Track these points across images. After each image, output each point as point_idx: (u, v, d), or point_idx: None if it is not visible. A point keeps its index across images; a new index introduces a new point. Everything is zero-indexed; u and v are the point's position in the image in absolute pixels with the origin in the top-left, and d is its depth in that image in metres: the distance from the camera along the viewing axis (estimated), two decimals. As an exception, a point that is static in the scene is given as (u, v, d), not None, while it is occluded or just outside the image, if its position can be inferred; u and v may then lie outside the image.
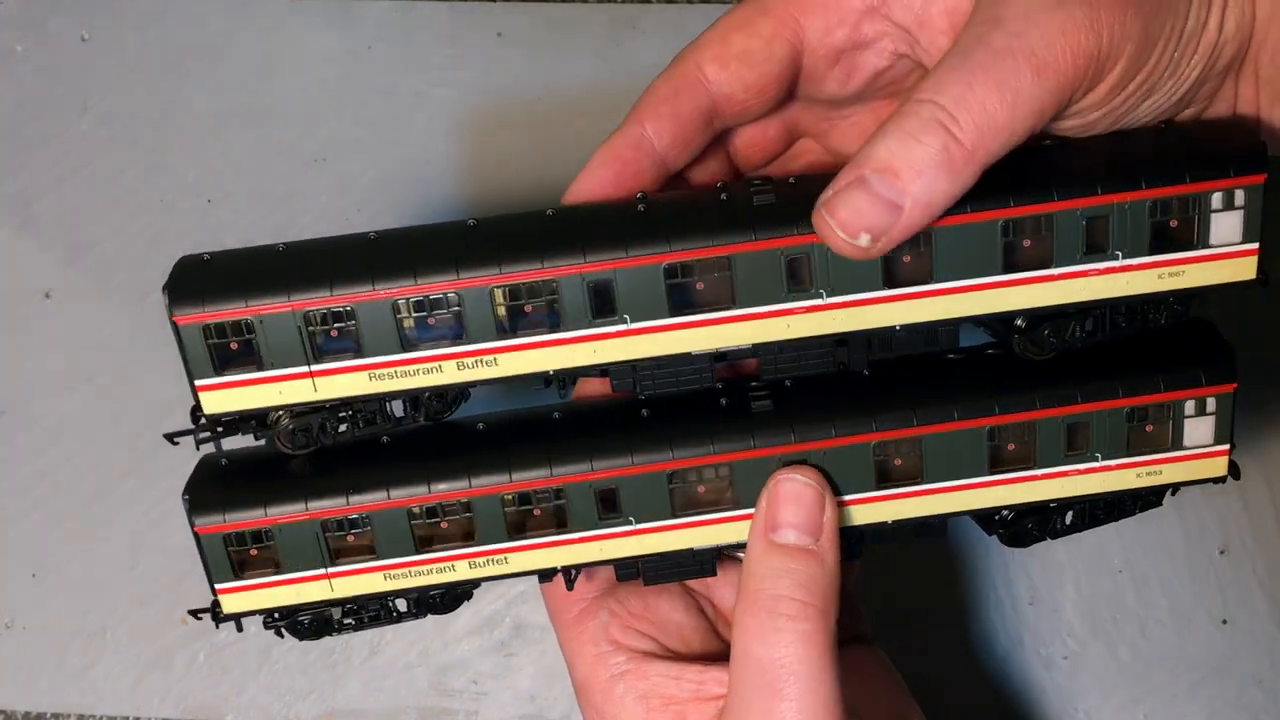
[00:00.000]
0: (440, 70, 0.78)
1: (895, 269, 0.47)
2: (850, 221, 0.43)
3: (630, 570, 0.51)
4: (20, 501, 0.77)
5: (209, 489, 0.50)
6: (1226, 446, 0.51)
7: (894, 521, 0.51)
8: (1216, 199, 0.46)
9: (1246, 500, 0.74)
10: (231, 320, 0.46)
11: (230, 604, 0.50)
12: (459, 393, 0.51)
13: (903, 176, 0.42)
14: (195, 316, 0.46)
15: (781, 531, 0.48)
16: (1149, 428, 0.50)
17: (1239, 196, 0.46)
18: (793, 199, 0.47)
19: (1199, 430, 0.50)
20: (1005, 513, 0.53)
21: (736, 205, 0.47)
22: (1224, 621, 0.73)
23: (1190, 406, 0.50)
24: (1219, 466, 0.51)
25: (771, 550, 0.48)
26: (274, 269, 0.47)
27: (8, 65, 0.80)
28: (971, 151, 0.42)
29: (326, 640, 0.75)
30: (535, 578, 0.53)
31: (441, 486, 0.49)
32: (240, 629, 0.53)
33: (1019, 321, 0.49)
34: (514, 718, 0.75)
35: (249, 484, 0.50)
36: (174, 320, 0.46)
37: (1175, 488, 0.53)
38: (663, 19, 0.78)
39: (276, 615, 0.52)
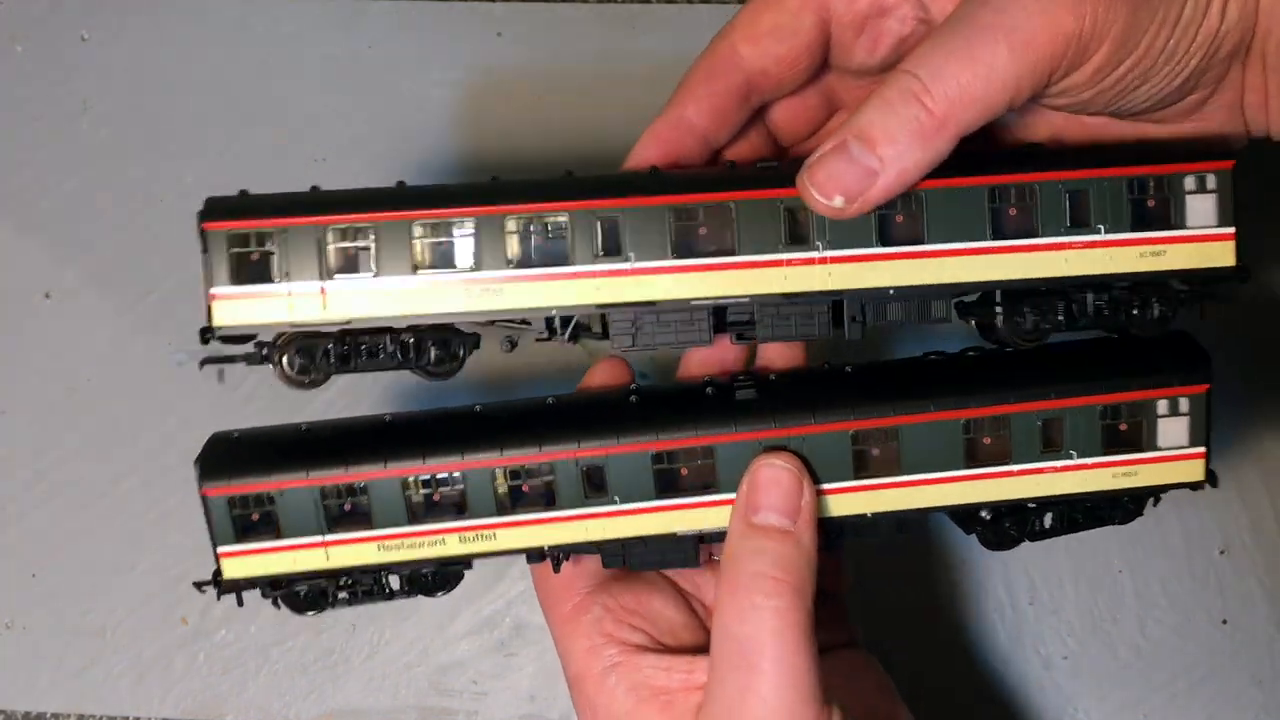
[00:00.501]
0: (440, 70, 0.78)
1: (889, 228, 0.49)
2: (826, 183, 0.46)
3: (616, 557, 0.52)
4: (20, 501, 0.77)
5: (218, 456, 0.51)
6: (1203, 449, 0.51)
7: (873, 514, 0.52)
8: (1189, 181, 0.49)
9: (1246, 500, 0.74)
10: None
11: (231, 569, 0.51)
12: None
13: (879, 144, 0.45)
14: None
15: (761, 514, 0.49)
16: (1123, 426, 0.51)
17: (1210, 180, 0.49)
18: (794, 164, 0.49)
19: (1174, 431, 0.51)
20: (984, 514, 0.53)
21: (740, 168, 0.51)
22: (1224, 621, 0.73)
23: (1163, 406, 0.51)
24: (1196, 470, 0.52)
25: (750, 531, 0.49)
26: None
27: (8, 65, 0.80)
28: (942, 121, 0.44)
29: (326, 640, 0.75)
30: (534, 578, 0.54)
31: (436, 459, 0.50)
32: (241, 603, 0.52)
33: (998, 308, 0.51)
34: (514, 718, 0.75)
35: (256, 454, 0.51)
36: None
37: (1157, 497, 0.53)
38: (662, 19, 0.78)
39: (274, 586, 0.52)
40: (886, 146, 0.45)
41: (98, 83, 0.79)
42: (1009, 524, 0.54)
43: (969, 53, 0.44)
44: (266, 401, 0.76)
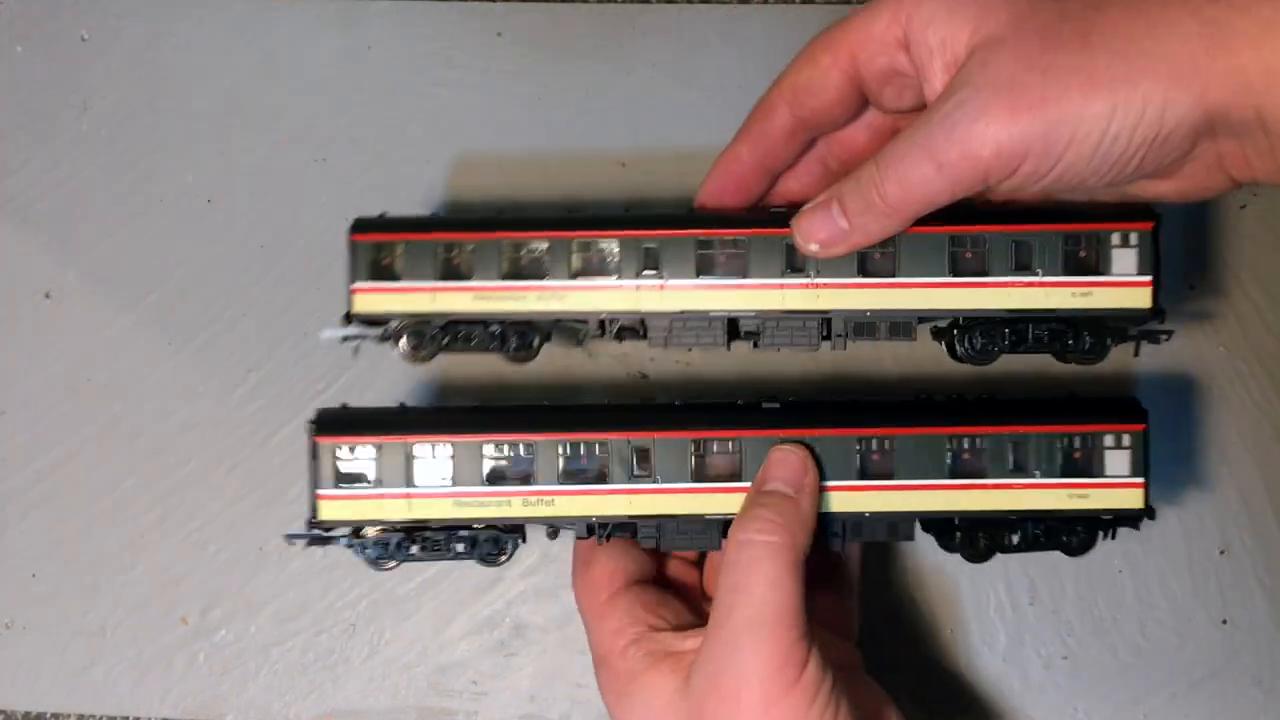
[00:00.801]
0: (440, 70, 0.78)
1: (868, 263, 0.61)
2: (807, 230, 0.58)
3: (650, 537, 0.61)
4: (20, 501, 0.77)
5: (328, 418, 0.64)
6: (1142, 480, 0.62)
7: (870, 513, 0.61)
8: (1115, 237, 0.60)
9: (1246, 500, 0.74)
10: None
11: (325, 510, 0.62)
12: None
13: (849, 212, 0.56)
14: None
15: (769, 484, 0.59)
16: (1077, 454, 0.62)
17: (1133, 237, 0.60)
18: (795, 211, 0.60)
19: (1118, 462, 0.62)
20: (958, 529, 0.63)
21: (756, 211, 0.64)
22: (1224, 621, 0.74)
23: (1109, 439, 0.62)
24: (1136, 499, 0.62)
25: (758, 495, 0.59)
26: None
27: (8, 65, 0.80)
28: (890, 210, 0.54)
29: (326, 640, 0.75)
30: (574, 572, 0.62)
31: (513, 433, 0.62)
32: (323, 543, 0.62)
33: (957, 332, 0.63)
34: (514, 718, 0.75)
35: (360, 419, 0.64)
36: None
37: (1108, 533, 0.62)
38: (662, 19, 0.78)
39: (355, 534, 0.63)
40: (854, 216, 0.56)
41: (98, 83, 0.79)
42: (983, 536, 0.63)
43: (908, 163, 0.52)
44: (267, 400, 0.76)
